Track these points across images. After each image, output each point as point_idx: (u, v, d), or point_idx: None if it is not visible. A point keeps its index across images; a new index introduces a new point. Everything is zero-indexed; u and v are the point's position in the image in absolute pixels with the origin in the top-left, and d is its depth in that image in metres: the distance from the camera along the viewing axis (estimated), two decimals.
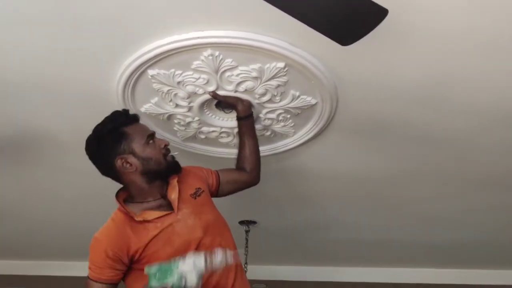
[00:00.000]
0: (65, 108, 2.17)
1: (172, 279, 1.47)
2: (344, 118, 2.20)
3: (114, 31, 1.70)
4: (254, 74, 1.88)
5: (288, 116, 2.16)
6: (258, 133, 2.13)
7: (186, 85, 1.94)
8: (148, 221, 1.66)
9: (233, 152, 2.21)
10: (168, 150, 1.77)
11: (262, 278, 4.22)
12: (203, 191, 1.82)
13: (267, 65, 1.85)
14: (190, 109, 2.10)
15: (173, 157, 1.78)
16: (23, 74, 1.94)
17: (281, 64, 1.84)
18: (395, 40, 1.70)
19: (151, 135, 1.75)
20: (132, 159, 1.69)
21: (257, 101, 2.03)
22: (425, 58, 1.80)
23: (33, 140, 2.43)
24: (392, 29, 1.56)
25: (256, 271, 3.89)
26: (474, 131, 2.26)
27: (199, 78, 1.90)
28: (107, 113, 1.77)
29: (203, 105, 2.09)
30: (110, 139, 1.69)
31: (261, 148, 2.14)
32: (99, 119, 1.75)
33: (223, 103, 2.07)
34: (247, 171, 2.04)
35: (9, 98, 2.10)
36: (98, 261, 1.60)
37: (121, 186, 1.77)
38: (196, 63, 1.83)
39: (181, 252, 1.59)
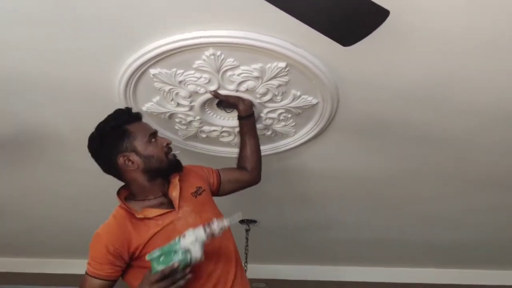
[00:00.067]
0: (66, 106, 2.18)
1: (178, 257, 1.48)
2: (345, 118, 2.20)
3: (114, 30, 1.70)
4: (256, 73, 1.88)
5: (289, 115, 2.17)
6: (259, 133, 2.14)
7: (188, 84, 1.95)
8: (149, 218, 1.66)
9: (234, 151, 2.22)
10: (170, 149, 1.78)
11: (262, 277, 4.23)
12: (204, 190, 1.82)
13: (269, 65, 1.85)
14: (191, 108, 2.10)
15: (174, 155, 1.79)
16: (24, 73, 1.95)
17: (282, 64, 1.84)
18: (396, 40, 1.71)
19: (153, 134, 1.76)
20: (134, 157, 1.69)
21: (258, 100, 2.04)
22: (425, 58, 1.80)
23: (34, 139, 2.43)
24: (392, 29, 1.56)
25: (256, 270, 3.90)
26: (474, 131, 2.27)
27: (200, 77, 1.91)
28: (109, 111, 1.77)
29: (204, 104, 2.09)
30: (113, 137, 1.70)
31: (262, 148, 2.15)
32: (101, 117, 1.76)
33: (224, 103, 2.08)
34: (248, 170, 2.05)
35: (10, 96, 2.11)
36: (99, 257, 1.60)
37: (122, 184, 1.78)
38: (198, 63, 1.84)
39: None
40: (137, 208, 1.69)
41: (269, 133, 2.30)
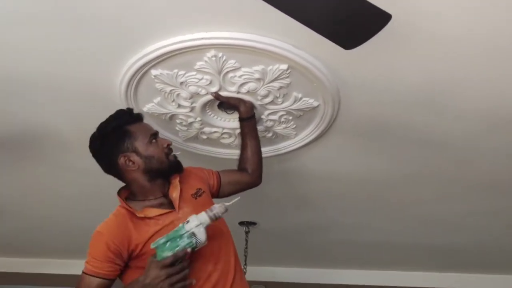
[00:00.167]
0: (66, 106, 2.18)
1: (184, 242, 1.51)
2: (346, 121, 2.20)
3: (114, 30, 1.70)
4: (257, 75, 1.88)
5: (290, 118, 2.17)
6: (260, 134, 2.14)
7: (189, 86, 1.95)
8: (149, 218, 1.66)
9: (234, 153, 2.22)
10: (170, 150, 1.78)
11: (262, 279, 4.23)
12: (203, 191, 1.83)
13: (270, 67, 1.85)
14: (192, 109, 2.10)
15: (175, 156, 1.79)
16: (24, 73, 1.95)
17: (284, 66, 1.84)
18: (397, 43, 1.70)
19: (154, 134, 1.77)
20: (135, 157, 1.70)
21: (259, 102, 2.03)
22: (426, 61, 1.80)
23: (34, 138, 2.44)
24: (394, 32, 1.56)
25: (256, 272, 3.90)
26: (475, 134, 2.26)
27: (202, 78, 1.91)
28: (109, 112, 1.77)
29: (205, 106, 2.09)
30: (114, 137, 1.70)
31: (262, 149, 2.15)
32: (101, 118, 1.76)
33: (225, 104, 2.08)
34: (249, 172, 2.05)
35: (10, 96, 2.11)
36: (99, 255, 1.59)
37: (122, 184, 1.78)
38: (199, 64, 1.84)
39: None
40: (138, 207, 1.70)
41: (270, 135, 2.29)
